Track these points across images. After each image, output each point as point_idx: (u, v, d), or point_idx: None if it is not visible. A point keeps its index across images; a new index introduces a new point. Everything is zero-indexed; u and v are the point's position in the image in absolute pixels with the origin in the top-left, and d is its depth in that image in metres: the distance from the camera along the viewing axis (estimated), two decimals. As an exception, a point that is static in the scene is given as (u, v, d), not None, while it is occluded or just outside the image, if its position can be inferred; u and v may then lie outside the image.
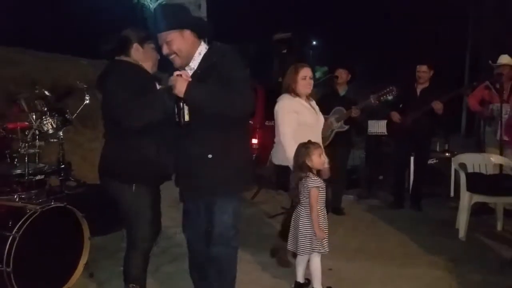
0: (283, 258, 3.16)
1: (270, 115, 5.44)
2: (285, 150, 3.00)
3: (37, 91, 2.88)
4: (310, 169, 2.70)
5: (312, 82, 3.12)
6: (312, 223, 2.64)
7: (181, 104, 1.91)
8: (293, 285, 2.85)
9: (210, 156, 2.01)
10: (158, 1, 12.22)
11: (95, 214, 2.97)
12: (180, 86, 1.89)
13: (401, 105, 4.65)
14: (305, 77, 3.08)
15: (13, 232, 2.37)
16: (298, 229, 2.69)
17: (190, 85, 1.90)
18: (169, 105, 1.94)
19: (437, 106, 4.34)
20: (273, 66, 6.19)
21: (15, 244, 2.34)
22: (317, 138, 3.05)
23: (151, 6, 12.26)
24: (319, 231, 2.63)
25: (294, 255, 2.85)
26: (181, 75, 1.93)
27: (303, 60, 5.79)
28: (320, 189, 2.67)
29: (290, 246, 2.81)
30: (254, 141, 5.80)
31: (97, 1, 10.16)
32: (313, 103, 3.22)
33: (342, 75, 4.57)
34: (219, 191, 2.07)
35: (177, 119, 1.93)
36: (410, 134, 4.54)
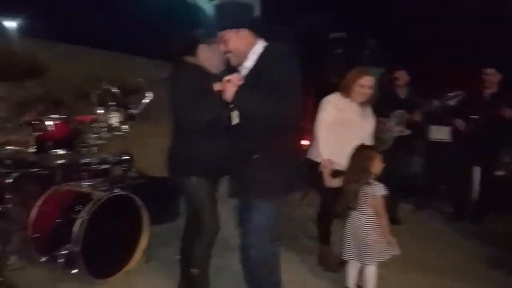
0: (331, 263, 3.14)
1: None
2: (318, 141, 2.98)
3: (105, 87, 3.08)
4: (370, 175, 2.60)
5: (369, 92, 3.02)
6: (375, 231, 2.57)
7: (230, 107, 2.03)
8: None
9: (255, 156, 2.05)
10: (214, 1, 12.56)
11: (153, 204, 3.13)
12: (229, 92, 1.97)
13: (465, 111, 4.30)
14: (363, 86, 2.99)
15: (82, 216, 2.58)
16: (362, 238, 2.58)
17: (237, 92, 1.97)
18: (220, 107, 2.07)
19: (509, 113, 3.99)
20: (326, 66, 6.15)
21: (84, 227, 2.55)
22: (355, 140, 2.88)
23: (205, 5, 12.60)
24: (390, 238, 2.59)
25: (343, 261, 2.79)
26: (230, 80, 2.00)
27: (359, 62, 5.71)
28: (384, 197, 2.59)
29: (348, 255, 2.68)
30: (304, 142, 5.78)
31: (155, 1, 10.59)
32: (366, 109, 3.13)
33: (402, 76, 4.41)
34: (256, 193, 2.09)
35: (227, 120, 2.07)
36: (476, 142, 4.22)
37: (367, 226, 2.58)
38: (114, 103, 3.09)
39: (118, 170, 3.52)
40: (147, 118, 6.32)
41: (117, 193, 2.83)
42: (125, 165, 3.46)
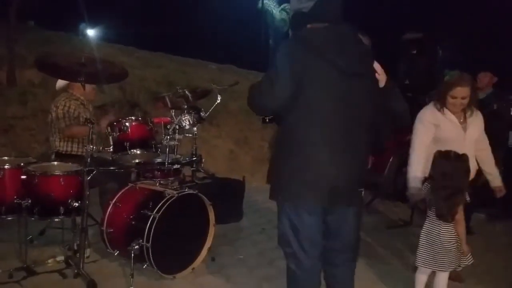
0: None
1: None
2: (410, 164, 2.86)
3: (179, 91, 3.23)
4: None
5: (464, 102, 2.82)
6: (453, 238, 2.51)
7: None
8: None
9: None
10: (281, 7, 12.63)
11: (219, 203, 3.20)
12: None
13: None
14: (455, 97, 2.80)
15: (154, 212, 2.71)
16: (442, 246, 2.51)
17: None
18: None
19: None
20: (400, 67, 5.91)
21: (154, 223, 2.67)
22: None
23: (274, 12, 12.69)
24: (465, 247, 2.56)
25: (414, 269, 2.72)
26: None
27: (435, 63, 5.41)
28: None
29: (423, 262, 2.59)
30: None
31: (224, 9, 10.93)
32: (474, 117, 2.90)
33: (482, 78, 4.14)
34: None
35: None
36: None
37: (446, 233, 2.50)
38: (187, 106, 3.20)
39: (188, 170, 3.66)
40: (212, 120, 6.56)
41: (187, 192, 2.93)
42: (194, 165, 3.57)
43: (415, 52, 5.54)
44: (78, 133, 3.43)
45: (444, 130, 2.84)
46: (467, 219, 4.05)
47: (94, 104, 5.24)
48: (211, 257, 3.20)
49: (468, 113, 2.88)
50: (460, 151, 2.71)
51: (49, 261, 3.02)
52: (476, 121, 2.93)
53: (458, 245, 2.54)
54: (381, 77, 2.08)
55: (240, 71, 10.56)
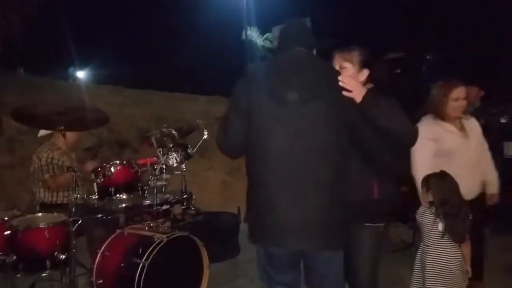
0: None
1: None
2: (416, 183, 2.73)
3: (164, 130, 3.19)
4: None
5: (465, 104, 2.76)
6: (460, 261, 2.42)
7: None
8: None
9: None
10: (265, 36, 12.82)
11: (213, 241, 3.10)
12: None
13: None
14: (457, 99, 2.71)
15: (143, 260, 2.60)
16: (451, 270, 2.40)
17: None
18: None
19: None
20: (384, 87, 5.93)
21: (144, 271, 2.55)
22: (462, 166, 2.67)
23: (258, 42, 12.88)
24: (468, 268, 2.47)
25: None
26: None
27: (420, 80, 5.42)
28: None
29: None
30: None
31: (209, 42, 11.13)
32: (469, 122, 2.84)
33: (472, 91, 4.12)
34: None
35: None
36: None
37: (454, 255, 2.40)
38: (174, 144, 3.15)
39: (178, 209, 3.57)
40: (203, 153, 6.51)
41: (177, 235, 2.83)
42: (185, 203, 3.49)
43: (399, 71, 5.56)
44: (63, 182, 3.35)
45: (446, 142, 2.72)
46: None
47: (83, 146, 5.19)
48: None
49: (464, 120, 2.81)
50: (468, 160, 2.71)
51: (38, 318, 2.88)
52: (473, 126, 2.86)
53: (462, 266, 2.43)
54: (354, 93, 1.84)
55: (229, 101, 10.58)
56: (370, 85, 2.14)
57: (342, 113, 1.82)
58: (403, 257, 3.99)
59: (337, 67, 2.13)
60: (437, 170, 2.55)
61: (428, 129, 2.74)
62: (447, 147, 2.72)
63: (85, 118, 2.88)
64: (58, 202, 3.39)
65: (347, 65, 2.14)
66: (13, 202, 4.64)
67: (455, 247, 2.40)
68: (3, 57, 6.50)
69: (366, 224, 2.08)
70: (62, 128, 2.67)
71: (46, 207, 3.33)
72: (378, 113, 1.83)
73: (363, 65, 2.15)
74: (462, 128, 2.80)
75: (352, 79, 1.91)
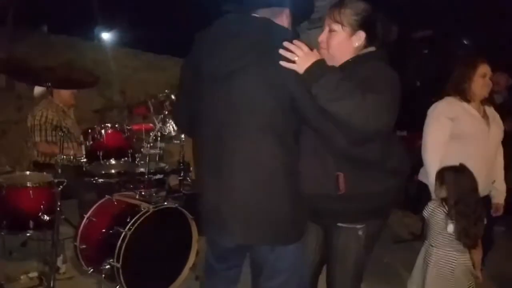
0: None
1: (401, 124, 4.91)
2: (425, 166, 2.50)
3: (165, 94, 3.01)
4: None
5: (491, 84, 2.49)
6: (468, 267, 2.20)
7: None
8: None
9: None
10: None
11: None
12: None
13: None
14: (484, 75, 2.43)
15: (126, 229, 2.49)
16: (458, 278, 2.19)
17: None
18: None
19: None
20: (408, 68, 5.57)
21: (125, 241, 2.44)
22: (481, 155, 2.41)
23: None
24: (479, 274, 2.22)
25: None
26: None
27: (450, 61, 5.05)
28: None
29: None
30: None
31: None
32: (490, 110, 2.57)
33: (500, 80, 3.80)
34: None
35: None
36: None
37: (461, 260, 2.17)
38: (168, 111, 2.98)
39: (174, 180, 3.45)
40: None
41: (165, 206, 2.70)
42: (182, 174, 3.36)
43: (426, 51, 5.17)
44: (47, 151, 3.26)
45: (464, 124, 2.44)
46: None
47: (92, 108, 5.10)
48: (195, 276, 2.96)
49: (488, 108, 2.54)
50: (484, 152, 2.42)
51: (22, 277, 2.83)
52: (497, 119, 2.57)
53: (468, 271, 2.20)
54: (299, 65, 1.47)
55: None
56: (371, 48, 1.70)
57: (279, 88, 1.48)
58: (406, 249, 3.80)
59: (326, 30, 1.70)
60: (450, 156, 2.30)
61: (448, 106, 2.47)
62: (464, 130, 2.43)
63: (74, 77, 2.73)
64: (52, 162, 3.31)
65: (336, 27, 1.67)
66: (16, 158, 4.61)
67: (464, 251, 2.16)
68: (11, 14, 6.44)
69: (339, 224, 1.70)
70: (49, 85, 2.54)
71: (39, 166, 3.25)
72: (318, 90, 1.44)
73: (360, 26, 1.66)
74: (484, 115, 2.51)
75: (301, 47, 1.48)
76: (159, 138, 2.99)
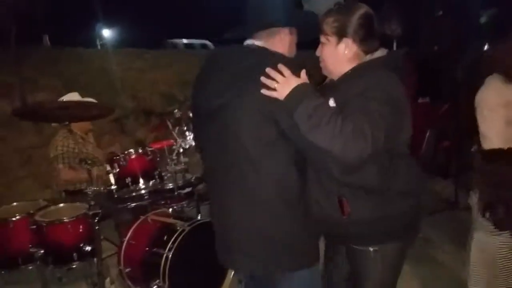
0: None
1: (422, 90, 4.74)
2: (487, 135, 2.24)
3: (180, 114, 3.06)
4: None
5: None
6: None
7: None
8: None
9: None
10: None
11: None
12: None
13: None
14: None
15: (166, 251, 2.55)
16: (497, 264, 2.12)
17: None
18: None
19: None
20: (424, 31, 5.33)
21: (168, 262, 2.51)
22: None
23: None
24: None
25: None
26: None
27: (465, 25, 4.79)
28: None
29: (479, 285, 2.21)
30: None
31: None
32: None
33: None
34: None
35: None
36: None
37: (503, 249, 2.10)
38: (189, 127, 3.01)
39: (203, 188, 3.49)
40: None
41: (199, 222, 2.75)
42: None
43: (440, 13, 4.90)
44: (74, 179, 3.33)
45: None
46: None
47: (109, 118, 5.14)
48: (238, 280, 3.03)
49: None
50: None
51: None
52: None
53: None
54: (279, 91, 1.43)
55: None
56: (378, 53, 1.59)
57: (267, 118, 1.46)
58: (442, 220, 3.74)
59: (321, 43, 1.62)
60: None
61: (497, 93, 2.26)
62: None
63: (90, 112, 2.77)
64: (82, 189, 3.38)
65: (323, 39, 1.60)
66: (45, 181, 4.73)
67: (506, 235, 2.08)
68: (13, 33, 6.43)
69: (352, 245, 1.66)
70: (67, 123, 2.57)
71: (71, 195, 3.33)
72: (297, 118, 1.40)
73: (344, 32, 1.55)
74: None
75: (283, 71, 1.43)
76: (181, 153, 3.02)
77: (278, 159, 1.51)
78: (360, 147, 1.33)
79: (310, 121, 1.36)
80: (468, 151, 2.49)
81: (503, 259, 2.09)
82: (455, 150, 4.63)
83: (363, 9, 1.56)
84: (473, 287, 2.21)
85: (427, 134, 4.78)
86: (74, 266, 2.84)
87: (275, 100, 1.43)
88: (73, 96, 3.45)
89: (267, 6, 1.57)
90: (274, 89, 1.42)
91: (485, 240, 2.12)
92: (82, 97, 3.48)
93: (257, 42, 1.58)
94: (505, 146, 2.18)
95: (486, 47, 4.38)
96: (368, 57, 1.58)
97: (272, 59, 1.49)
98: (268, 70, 1.43)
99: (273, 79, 1.43)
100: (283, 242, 1.57)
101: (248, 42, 1.60)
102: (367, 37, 1.56)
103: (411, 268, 2.96)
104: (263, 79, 1.44)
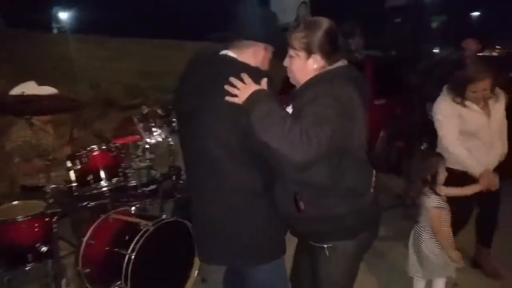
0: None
1: (379, 92, 4.92)
2: (458, 159, 2.66)
3: (148, 110, 2.98)
4: (434, 185, 2.35)
5: (486, 94, 2.64)
6: (435, 245, 2.36)
7: None
8: None
9: None
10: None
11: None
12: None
13: None
14: (475, 92, 2.60)
15: (129, 251, 2.46)
16: (421, 253, 2.40)
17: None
18: None
19: None
20: (384, 37, 5.57)
21: (131, 264, 2.43)
22: (483, 147, 2.69)
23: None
24: (452, 254, 2.32)
25: None
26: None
27: (421, 33, 5.06)
28: (444, 211, 2.34)
29: (412, 271, 2.50)
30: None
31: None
32: (495, 102, 2.73)
33: (470, 45, 3.94)
34: None
35: None
36: None
37: (425, 240, 2.40)
38: (156, 123, 2.93)
39: (168, 184, 3.41)
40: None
41: (164, 221, 2.68)
42: (174, 177, 3.32)
43: (399, 20, 5.19)
44: (32, 170, 3.14)
45: (468, 122, 2.67)
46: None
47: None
48: (201, 279, 2.99)
49: (491, 101, 2.71)
50: (487, 140, 2.69)
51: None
52: (499, 104, 2.76)
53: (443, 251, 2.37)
54: (240, 97, 1.56)
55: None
56: (339, 63, 1.70)
57: (232, 120, 1.61)
58: (395, 214, 3.82)
59: (289, 55, 1.73)
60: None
61: (451, 107, 2.68)
62: (468, 128, 2.68)
63: (53, 106, 2.62)
64: (40, 185, 3.20)
65: (292, 52, 1.70)
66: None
67: (427, 230, 2.39)
68: None
69: (310, 242, 1.77)
70: (29, 117, 2.42)
71: (28, 190, 3.14)
72: (252, 119, 1.50)
73: (313, 48, 1.65)
74: (485, 106, 2.70)
75: (244, 79, 1.57)
76: (147, 150, 2.94)
77: (243, 161, 1.65)
78: (305, 148, 1.43)
79: (262, 123, 1.48)
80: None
81: (424, 247, 2.38)
82: (408, 149, 4.89)
83: (328, 24, 1.66)
84: (411, 271, 2.52)
85: (380, 135, 5.01)
86: (27, 268, 2.70)
87: (238, 105, 1.56)
88: (30, 86, 3.24)
89: (248, 20, 1.72)
90: (236, 96, 1.56)
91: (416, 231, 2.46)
92: (39, 85, 3.28)
93: (231, 53, 1.72)
94: (458, 145, 2.62)
95: (437, 51, 4.69)
96: (328, 68, 1.69)
97: (237, 68, 1.62)
98: (232, 78, 1.57)
99: (235, 86, 1.56)
100: (250, 237, 1.72)
101: (223, 51, 1.73)
102: (333, 51, 1.68)
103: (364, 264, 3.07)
104: (226, 86, 1.57)
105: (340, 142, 1.54)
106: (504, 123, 2.82)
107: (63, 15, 9.01)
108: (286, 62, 1.75)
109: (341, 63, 1.71)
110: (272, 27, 1.77)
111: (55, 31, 9.16)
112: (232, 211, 1.69)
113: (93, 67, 7.14)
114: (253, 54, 1.72)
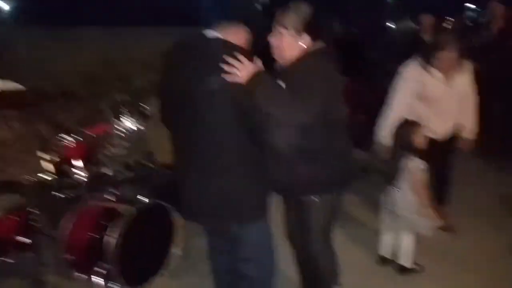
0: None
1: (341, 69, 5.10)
2: (383, 120, 2.85)
3: (117, 99, 3.00)
4: (414, 150, 2.56)
5: (451, 63, 2.75)
6: (410, 205, 2.58)
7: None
8: (378, 259, 2.88)
9: None
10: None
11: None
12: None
13: None
14: (441, 60, 2.73)
15: (114, 235, 2.54)
16: (395, 212, 2.65)
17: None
18: None
19: None
20: (346, 17, 5.73)
21: (114, 246, 2.51)
22: (440, 115, 2.85)
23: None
24: (429, 212, 2.57)
25: None
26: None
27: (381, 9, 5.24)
28: (425, 172, 2.57)
29: (384, 229, 2.79)
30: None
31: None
32: (458, 73, 2.83)
33: (426, 19, 4.19)
34: None
35: None
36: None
37: (401, 200, 2.59)
38: (129, 111, 2.98)
39: (143, 170, 3.47)
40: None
41: (143, 204, 2.77)
42: (149, 164, 3.39)
43: None
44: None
45: (429, 89, 2.78)
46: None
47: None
48: (182, 257, 3.10)
49: (456, 73, 2.81)
50: (444, 109, 2.83)
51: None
52: (464, 76, 2.85)
53: (418, 210, 2.58)
54: (241, 76, 1.76)
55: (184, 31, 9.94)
56: (318, 44, 1.99)
57: (228, 96, 1.80)
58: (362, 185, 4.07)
59: (277, 34, 1.97)
60: (416, 114, 2.73)
61: (415, 69, 2.80)
62: (428, 94, 2.79)
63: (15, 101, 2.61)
64: (10, 180, 3.18)
65: (282, 30, 1.95)
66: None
67: (406, 190, 2.60)
68: None
69: (300, 197, 2.10)
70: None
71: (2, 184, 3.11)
72: (258, 95, 1.76)
73: (303, 28, 1.94)
74: (450, 77, 2.80)
75: (240, 59, 1.75)
76: (120, 139, 2.98)
77: (239, 133, 1.84)
78: (301, 115, 1.75)
79: (267, 97, 1.74)
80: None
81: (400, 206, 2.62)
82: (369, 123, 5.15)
83: (310, 8, 1.94)
84: (382, 227, 2.81)
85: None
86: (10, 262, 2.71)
87: (235, 83, 1.75)
88: None
89: (234, 3, 1.91)
90: (235, 74, 1.73)
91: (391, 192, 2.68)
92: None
93: (220, 36, 1.86)
94: (411, 113, 2.75)
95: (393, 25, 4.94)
96: (311, 48, 1.96)
97: (231, 49, 1.78)
98: (229, 59, 1.74)
99: (232, 65, 1.73)
100: (236, 195, 1.91)
101: (212, 34, 1.87)
102: (318, 33, 1.97)
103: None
104: (224, 66, 1.73)
105: (329, 111, 1.85)
106: (470, 97, 2.90)
107: (10, 4, 8.50)
108: (273, 40, 1.96)
109: (320, 44, 1.98)
110: (252, 10, 2.02)
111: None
112: (222, 169, 1.88)
113: (46, 58, 6.91)
114: (237, 36, 1.90)
